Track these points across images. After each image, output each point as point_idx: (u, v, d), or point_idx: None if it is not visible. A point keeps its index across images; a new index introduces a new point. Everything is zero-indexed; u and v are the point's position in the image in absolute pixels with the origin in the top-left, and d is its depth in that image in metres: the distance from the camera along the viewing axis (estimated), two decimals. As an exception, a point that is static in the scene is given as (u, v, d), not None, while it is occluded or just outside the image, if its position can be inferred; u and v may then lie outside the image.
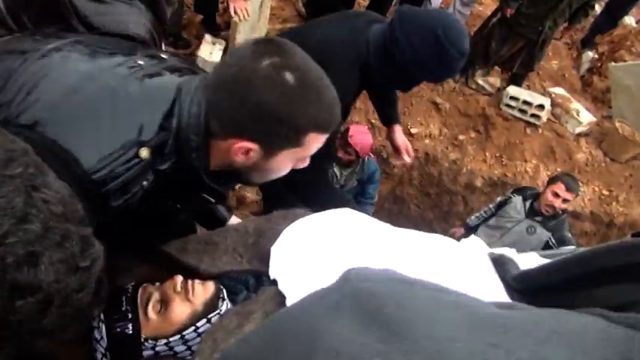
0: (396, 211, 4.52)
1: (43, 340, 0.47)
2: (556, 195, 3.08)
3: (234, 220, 1.60)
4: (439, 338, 0.29)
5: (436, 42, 1.58)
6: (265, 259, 1.21)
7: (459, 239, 3.22)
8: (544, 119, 4.28)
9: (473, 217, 3.49)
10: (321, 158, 1.84)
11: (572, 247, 2.94)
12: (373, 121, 3.97)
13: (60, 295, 0.45)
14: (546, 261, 0.81)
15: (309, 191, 1.82)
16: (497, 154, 4.25)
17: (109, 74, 0.90)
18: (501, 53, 4.17)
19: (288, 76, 0.90)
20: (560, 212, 3.11)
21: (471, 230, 3.49)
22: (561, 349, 0.30)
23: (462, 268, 1.22)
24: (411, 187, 4.35)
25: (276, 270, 1.21)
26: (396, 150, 2.29)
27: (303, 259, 1.23)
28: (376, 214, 4.55)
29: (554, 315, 0.34)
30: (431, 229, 4.48)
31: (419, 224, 4.53)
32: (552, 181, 3.18)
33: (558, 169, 4.34)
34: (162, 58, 0.99)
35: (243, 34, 3.01)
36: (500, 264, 0.87)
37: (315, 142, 0.98)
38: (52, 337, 0.48)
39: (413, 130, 4.09)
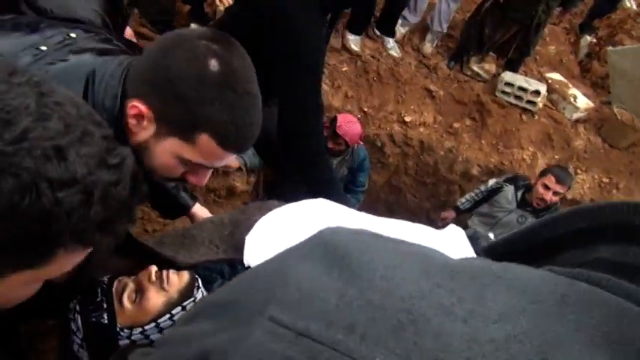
0: (393, 200, 4.48)
1: (97, 233, 0.47)
2: (546, 187, 3.02)
3: (198, 208, 1.58)
4: (393, 278, 0.33)
5: None
6: (240, 248, 1.21)
7: (450, 223, 3.21)
8: (540, 105, 4.22)
9: (463, 200, 3.45)
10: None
11: None
12: (365, 109, 3.92)
13: (97, 187, 0.46)
14: None
15: (325, 187, 1.77)
16: (494, 142, 4.19)
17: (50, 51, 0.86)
18: (495, 39, 4.11)
19: (213, 63, 0.84)
20: (553, 204, 3.05)
21: (461, 213, 3.45)
22: (502, 289, 0.33)
23: (438, 244, 1.24)
24: (406, 176, 4.30)
25: (249, 257, 1.21)
26: None
27: (275, 245, 1.23)
28: (372, 204, 4.51)
29: (504, 265, 0.36)
30: (428, 218, 4.43)
31: (416, 214, 4.48)
32: (543, 173, 3.14)
33: (556, 157, 4.29)
34: (72, 37, 0.92)
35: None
36: (475, 239, 0.88)
37: (210, 150, 0.88)
38: (104, 230, 0.48)
39: (407, 119, 4.03)
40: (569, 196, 4.19)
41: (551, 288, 0.34)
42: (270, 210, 1.30)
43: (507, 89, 4.20)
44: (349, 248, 0.37)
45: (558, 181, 2.98)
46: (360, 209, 3.41)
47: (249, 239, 1.23)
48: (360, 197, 3.35)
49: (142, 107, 0.85)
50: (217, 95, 0.84)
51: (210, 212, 2.87)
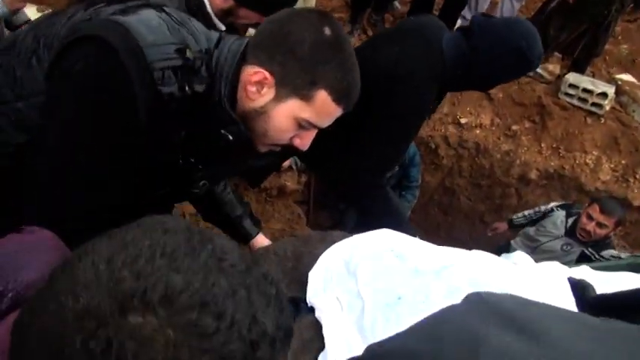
0: (446, 202, 4.44)
1: None
2: (590, 217, 2.79)
3: (260, 238, 1.58)
4: (564, 339, 0.43)
5: (519, 55, 1.65)
6: (303, 283, 1.28)
7: (501, 235, 3.17)
8: (607, 108, 4.03)
9: (520, 215, 3.35)
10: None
11: (614, 251, 2.74)
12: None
13: (277, 328, 0.52)
14: (599, 273, 0.87)
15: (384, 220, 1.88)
16: (554, 145, 4.05)
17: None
18: (560, 40, 3.95)
19: (327, 31, 0.95)
20: (603, 238, 2.83)
21: (514, 228, 3.37)
22: None
23: (537, 288, 1.31)
24: (460, 178, 4.25)
25: (313, 297, 1.27)
26: None
27: (339, 286, 1.29)
28: (425, 206, 4.48)
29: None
30: (482, 221, 4.36)
31: (470, 216, 4.42)
32: (590, 202, 2.95)
33: (623, 162, 4.07)
34: None
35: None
36: (580, 287, 0.97)
37: (325, 105, 0.97)
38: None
39: (462, 120, 3.99)
40: (636, 203, 3.98)
41: None
42: (334, 242, 1.39)
43: (571, 91, 4.04)
44: (523, 315, 0.46)
45: (602, 212, 2.75)
46: (413, 210, 3.44)
47: (312, 277, 1.29)
48: (416, 193, 3.34)
49: (266, 73, 0.95)
50: (332, 56, 0.96)
51: (262, 211, 3.01)
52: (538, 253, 3.11)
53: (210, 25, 1.31)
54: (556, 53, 4.21)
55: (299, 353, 1.17)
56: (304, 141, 1.06)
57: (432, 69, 1.70)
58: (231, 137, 1.01)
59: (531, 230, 3.20)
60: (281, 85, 0.96)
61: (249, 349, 0.49)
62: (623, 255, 2.74)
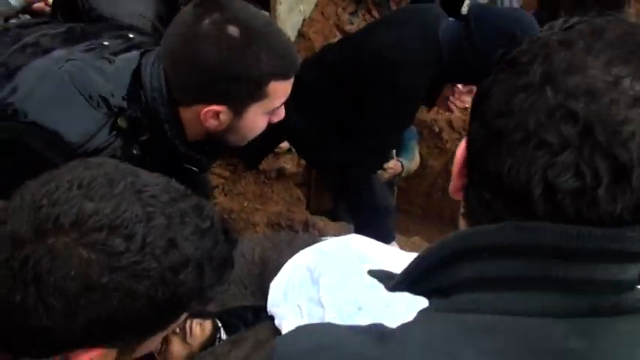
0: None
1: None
2: None
3: None
4: None
5: (514, 43, 1.56)
6: (266, 292, 1.34)
7: None
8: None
9: None
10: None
11: None
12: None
13: (204, 257, 0.58)
14: None
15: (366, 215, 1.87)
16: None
17: (77, 56, 0.98)
18: (570, 22, 3.85)
19: (232, 30, 0.91)
20: None
21: None
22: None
23: None
24: (465, 163, 4.21)
25: (273, 307, 1.32)
26: None
27: (300, 294, 1.34)
28: (429, 190, 4.47)
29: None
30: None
31: (473, 201, 4.39)
32: None
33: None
34: (129, 37, 1.05)
35: (285, 4, 3.01)
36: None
37: (280, 89, 0.99)
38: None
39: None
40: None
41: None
42: (300, 248, 1.44)
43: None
44: None
45: None
46: (417, 195, 3.45)
47: (273, 287, 1.34)
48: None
49: (216, 107, 0.96)
50: (255, 49, 0.93)
51: (260, 193, 3.00)
52: None
53: None
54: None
55: (252, 351, 1.20)
56: (279, 115, 1.07)
57: (427, 57, 1.67)
58: (196, 169, 1.06)
59: None
60: (234, 104, 0.97)
61: (168, 270, 0.55)
62: None
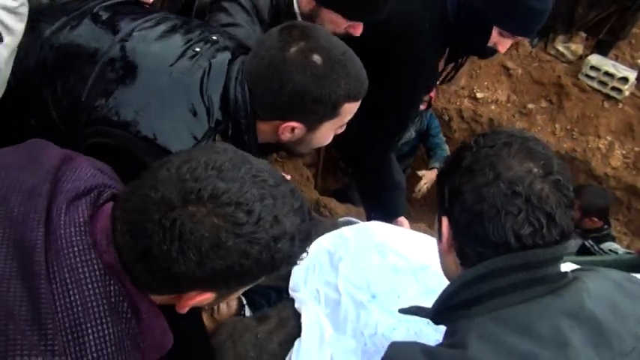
0: (454, 176, 4.45)
1: (298, 255, 0.77)
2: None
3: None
4: None
5: None
6: (286, 277, 1.40)
7: None
8: (626, 93, 3.96)
9: None
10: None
11: (614, 244, 2.74)
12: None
13: (296, 231, 0.74)
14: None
15: (384, 192, 1.89)
16: (568, 127, 4.02)
17: (179, 66, 1.06)
18: (588, 18, 3.85)
19: (316, 58, 1.01)
20: (604, 227, 2.86)
21: None
22: None
23: None
24: (471, 153, 4.24)
25: (293, 290, 1.39)
26: None
27: (320, 278, 1.41)
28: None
29: None
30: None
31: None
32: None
33: (636, 149, 4.04)
34: (215, 40, 1.13)
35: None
36: None
37: (350, 109, 1.10)
38: (298, 258, 0.77)
39: (479, 95, 3.94)
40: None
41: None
42: (318, 235, 1.50)
43: (592, 73, 3.97)
44: None
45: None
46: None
47: (296, 269, 1.40)
48: (444, 148, 3.39)
49: (294, 124, 1.06)
50: (334, 76, 1.02)
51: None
52: None
53: (290, 14, 1.38)
54: (581, 33, 4.11)
55: (276, 328, 1.31)
56: (343, 128, 1.18)
57: (436, 21, 1.61)
58: None
59: None
60: (310, 122, 1.07)
61: (272, 240, 0.70)
62: (620, 250, 2.74)
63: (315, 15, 1.37)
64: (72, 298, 0.67)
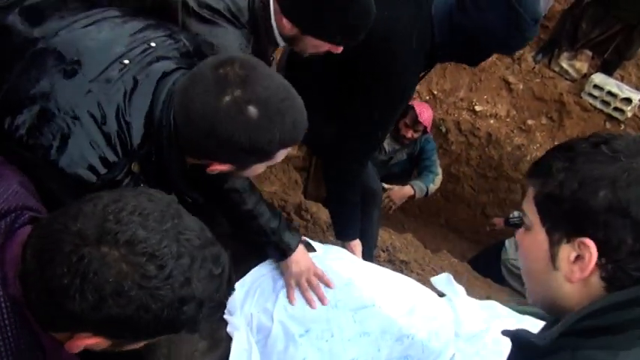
0: (450, 189, 4.38)
1: (201, 323, 0.75)
2: None
3: (300, 252, 1.53)
4: None
5: (507, 4, 1.45)
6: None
7: (499, 231, 3.13)
8: (629, 115, 3.89)
9: (516, 214, 3.26)
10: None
11: None
12: (435, 92, 3.82)
13: (208, 298, 0.72)
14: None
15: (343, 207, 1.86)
16: (568, 146, 3.94)
17: (99, 82, 0.98)
18: (592, 36, 3.79)
19: (251, 110, 0.94)
20: None
21: (509, 227, 3.29)
22: None
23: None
24: (467, 166, 4.18)
25: (229, 312, 1.41)
26: None
27: (257, 303, 1.41)
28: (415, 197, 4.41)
29: None
30: (483, 213, 4.30)
31: (472, 206, 4.37)
32: None
33: (637, 172, 3.96)
34: (152, 47, 1.05)
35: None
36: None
37: (285, 152, 1.07)
38: (200, 325, 0.75)
39: (477, 108, 3.89)
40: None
41: None
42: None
43: (595, 92, 3.90)
44: None
45: None
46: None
47: (238, 286, 1.42)
48: (434, 173, 3.33)
49: (223, 166, 1.03)
50: (269, 127, 0.96)
51: (259, 178, 2.97)
52: None
53: (270, 40, 1.34)
54: (586, 51, 4.05)
55: (209, 349, 1.32)
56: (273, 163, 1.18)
57: (420, 37, 1.57)
58: (191, 200, 1.13)
59: None
60: (239, 165, 1.05)
61: (177, 300, 0.69)
62: None
63: (297, 39, 1.35)
64: None
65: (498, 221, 3.49)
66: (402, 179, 3.52)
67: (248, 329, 1.36)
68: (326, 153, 1.83)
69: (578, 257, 0.68)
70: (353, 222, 1.86)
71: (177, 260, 0.69)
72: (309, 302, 1.43)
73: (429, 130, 3.18)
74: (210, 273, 0.72)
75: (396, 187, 3.25)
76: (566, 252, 0.69)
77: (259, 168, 1.09)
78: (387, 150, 3.32)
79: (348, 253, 1.72)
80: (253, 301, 1.38)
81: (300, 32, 1.33)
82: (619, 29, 3.72)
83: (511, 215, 3.30)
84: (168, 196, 0.76)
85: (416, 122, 3.07)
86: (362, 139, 1.72)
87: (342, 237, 1.85)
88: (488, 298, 2.58)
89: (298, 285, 1.46)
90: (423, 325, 1.43)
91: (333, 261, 1.53)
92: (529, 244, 0.75)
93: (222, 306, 0.77)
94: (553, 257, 0.71)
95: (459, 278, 2.69)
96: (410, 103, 3.10)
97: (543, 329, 0.82)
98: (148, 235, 0.68)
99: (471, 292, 2.56)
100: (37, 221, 0.75)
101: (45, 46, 1.00)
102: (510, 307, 1.81)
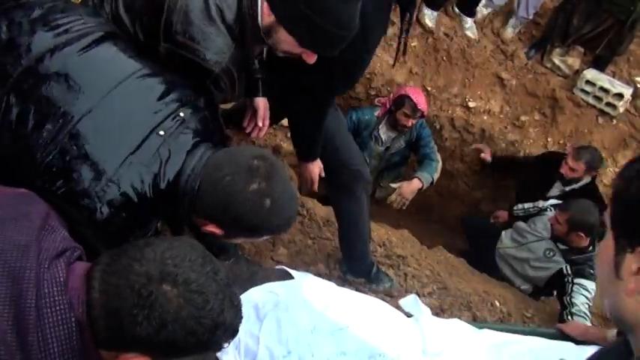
0: (444, 185, 4.37)
1: (220, 350, 0.97)
2: (565, 162, 3.17)
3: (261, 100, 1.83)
4: None
5: None
6: None
7: (502, 225, 3.19)
8: (620, 110, 3.92)
9: (520, 207, 3.27)
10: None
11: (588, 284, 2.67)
12: (429, 89, 3.83)
13: (231, 324, 0.92)
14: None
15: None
16: (561, 141, 3.96)
17: (139, 156, 1.14)
18: (583, 31, 3.81)
19: (267, 203, 1.15)
20: (589, 248, 2.77)
21: (513, 219, 3.31)
22: None
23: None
24: (462, 163, 4.18)
25: None
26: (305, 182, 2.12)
27: (243, 327, 1.51)
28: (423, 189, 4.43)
29: None
30: (477, 209, 4.31)
31: (466, 202, 4.37)
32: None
33: (629, 167, 3.98)
34: (182, 118, 1.20)
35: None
36: None
37: (266, 237, 1.33)
38: (221, 347, 0.95)
39: (471, 104, 3.89)
40: None
41: None
42: (256, 282, 1.70)
43: (587, 88, 3.93)
44: None
45: (573, 156, 3.13)
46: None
47: None
48: (434, 160, 3.37)
49: (217, 231, 1.20)
50: (272, 218, 1.18)
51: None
52: (523, 251, 3.06)
53: (257, 38, 1.35)
54: (578, 47, 4.07)
55: None
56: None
57: None
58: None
59: (523, 225, 3.15)
60: (230, 234, 1.23)
61: (214, 325, 0.89)
62: (589, 294, 2.63)
63: (273, 31, 1.33)
64: (52, 350, 0.83)
65: (502, 214, 3.51)
66: (402, 166, 3.55)
67: (236, 352, 1.52)
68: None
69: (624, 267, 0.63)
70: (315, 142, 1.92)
71: (216, 296, 0.89)
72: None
73: (425, 114, 3.24)
74: (233, 304, 0.93)
75: (404, 183, 3.28)
76: (630, 262, 0.63)
77: (240, 239, 1.38)
78: (383, 140, 3.34)
79: (324, 281, 1.88)
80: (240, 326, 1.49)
81: (275, 21, 1.31)
82: (610, 25, 3.74)
83: (515, 207, 3.32)
84: (201, 245, 0.96)
85: (415, 110, 3.12)
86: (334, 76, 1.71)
87: (303, 158, 1.99)
88: (484, 292, 2.59)
89: None
90: (393, 345, 1.59)
91: (310, 288, 1.71)
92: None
93: (236, 332, 0.96)
94: (617, 266, 0.65)
95: (455, 272, 2.70)
96: (403, 93, 3.13)
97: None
98: (198, 277, 0.88)
99: (468, 285, 2.56)
100: (96, 261, 0.92)
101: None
102: (502, 328, 1.93)
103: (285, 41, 1.34)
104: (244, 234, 1.23)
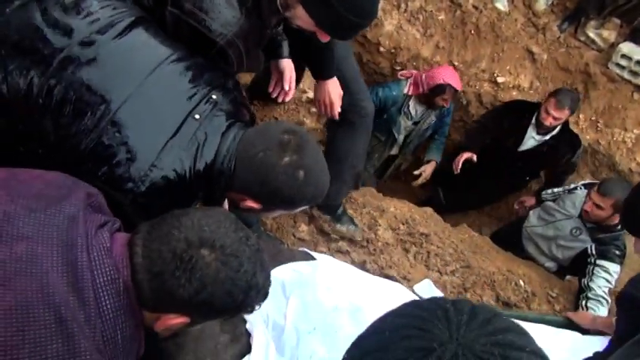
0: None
1: (252, 311, 1.05)
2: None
3: (287, 62, 1.87)
4: None
5: None
6: None
7: (528, 209, 3.15)
8: (658, 85, 3.75)
9: (549, 192, 3.18)
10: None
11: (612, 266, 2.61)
12: (456, 63, 3.73)
13: (262, 286, 1.00)
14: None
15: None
16: (593, 118, 3.83)
17: (177, 140, 1.18)
18: (620, 2, 3.64)
19: (300, 174, 1.19)
20: (617, 226, 2.67)
21: (541, 203, 3.23)
22: None
23: None
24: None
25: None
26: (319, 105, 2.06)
27: (272, 304, 1.63)
28: (449, 163, 4.38)
29: None
30: (498, 188, 4.22)
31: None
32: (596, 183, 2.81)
33: (664, 145, 3.83)
34: (214, 100, 1.23)
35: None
36: None
37: (303, 208, 1.37)
38: (253, 308, 1.03)
39: (500, 79, 3.78)
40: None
41: None
42: (280, 261, 1.76)
43: (623, 62, 3.76)
44: None
45: (599, 192, 2.62)
46: (441, 163, 3.38)
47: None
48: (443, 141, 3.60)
49: (255, 205, 1.25)
50: (306, 189, 1.22)
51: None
52: (550, 229, 2.99)
53: (274, 9, 1.36)
54: (614, 19, 3.89)
55: (231, 342, 1.52)
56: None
57: None
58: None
59: (551, 203, 3.08)
60: (268, 207, 1.29)
61: (248, 287, 0.96)
62: (612, 279, 2.60)
63: (291, 6, 1.34)
64: (105, 308, 0.89)
65: (528, 199, 3.43)
66: (430, 138, 3.62)
67: (264, 326, 1.58)
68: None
69: None
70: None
71: (249, 259, 0.96)
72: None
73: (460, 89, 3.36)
74: (263, 268, 1.00)
75: (427, 168, 3.55)
76: None
77: (277, 213, 1.41)
78: (412, 115, 3.32)
79: (343, 263, 1.96)
80: (268, 301, 1.55)
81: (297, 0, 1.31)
82: None
83: (544, 192, 3.23)
84: (232, 214, 1.02)
85: (455, 93, 3.28)
86: None
87: (319, 74, 1.98)
88: (508, 271, 2.56)
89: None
90: None
91: (331, 270, 1.79)
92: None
93: (267, 294, 1.02)
94: None
95: (479, 251, 2.66)
96: (442, 82, 3.13)
97: None
98: (232, 242, 0.95)
99: (492, 264, 2.53)
100: (137, 230, 0.98)
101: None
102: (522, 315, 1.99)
103: (302, 18, 1.35)
104: (282, 206, 1.28)
